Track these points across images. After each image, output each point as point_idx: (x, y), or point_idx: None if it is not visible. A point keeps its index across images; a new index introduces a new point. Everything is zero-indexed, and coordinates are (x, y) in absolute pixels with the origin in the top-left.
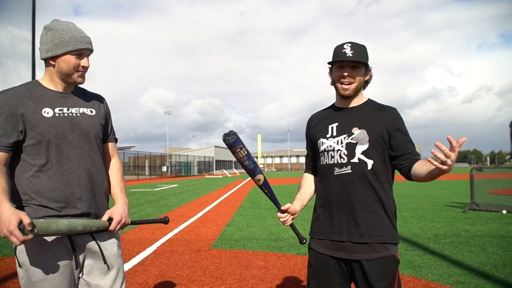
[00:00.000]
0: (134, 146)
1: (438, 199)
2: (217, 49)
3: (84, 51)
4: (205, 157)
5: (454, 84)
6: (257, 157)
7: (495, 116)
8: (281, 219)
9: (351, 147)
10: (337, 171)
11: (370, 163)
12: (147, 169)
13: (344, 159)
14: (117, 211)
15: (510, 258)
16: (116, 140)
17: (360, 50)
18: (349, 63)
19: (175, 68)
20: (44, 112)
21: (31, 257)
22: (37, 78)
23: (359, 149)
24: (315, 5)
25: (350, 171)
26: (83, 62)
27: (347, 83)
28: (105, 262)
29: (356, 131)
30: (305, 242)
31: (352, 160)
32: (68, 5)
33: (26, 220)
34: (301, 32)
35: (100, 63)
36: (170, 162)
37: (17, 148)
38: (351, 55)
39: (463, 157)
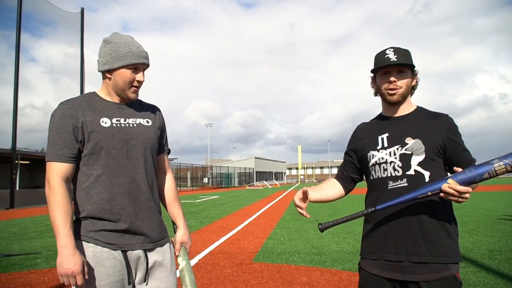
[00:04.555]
0: (176, 158)
1: (489, 212)
2: (259, 61)
3: (140, 66)
4: (245, 168)
5: (506, 91)
6: (297, 168)
7: None
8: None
9: (406, 159)
10: (391, 184)
11: (427, 174)
12: (189, 180)
13: (398, 172)
14: (188, 237)
15: None
16: (169, 152)
17: (404, 53)
18: (395, 68)
19: (218, 81)
20: (102, 121)
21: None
22: (85, 91)
23: (415, 160)
24: (359, 14)
25: (406, 184)
26: (138, 76)
27: (393, 88)
28: (145, 280)
29: (410, 141)
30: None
31: (407, 173)
32: (117, 22)
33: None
34: (343, 42)
35: (146, 78)
36: (211, 173)
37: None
38: (395, 59)
39: None
